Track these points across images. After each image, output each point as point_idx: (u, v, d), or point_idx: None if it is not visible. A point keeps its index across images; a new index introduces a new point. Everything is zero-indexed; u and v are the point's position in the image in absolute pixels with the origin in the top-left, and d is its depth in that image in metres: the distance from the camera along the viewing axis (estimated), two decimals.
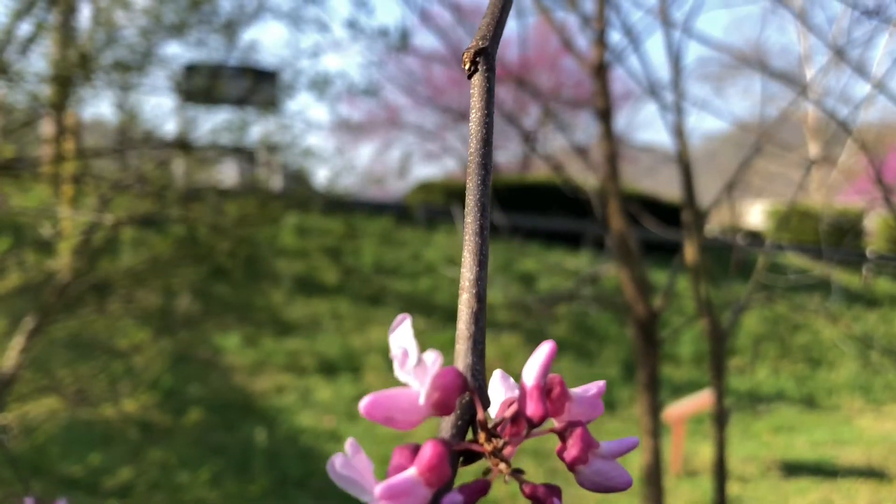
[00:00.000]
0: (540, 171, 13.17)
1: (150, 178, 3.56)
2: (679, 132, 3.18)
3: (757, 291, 3.59)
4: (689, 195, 3.26)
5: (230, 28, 4.25)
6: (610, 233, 3.40)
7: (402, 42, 6.88)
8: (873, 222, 12.44)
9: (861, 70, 2.67)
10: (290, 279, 8.06)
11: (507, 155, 16.96)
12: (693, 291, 3.25)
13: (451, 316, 7.42)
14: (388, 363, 6.26)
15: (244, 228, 4.12)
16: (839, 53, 2.68)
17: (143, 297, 3.52)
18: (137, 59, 3.82)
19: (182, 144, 4.55)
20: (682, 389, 6.94)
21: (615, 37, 9.33)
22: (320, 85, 4.90)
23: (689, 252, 3.23)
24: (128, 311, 3.39)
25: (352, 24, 6.18)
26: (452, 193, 10.87)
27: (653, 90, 3.16)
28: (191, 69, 6.74)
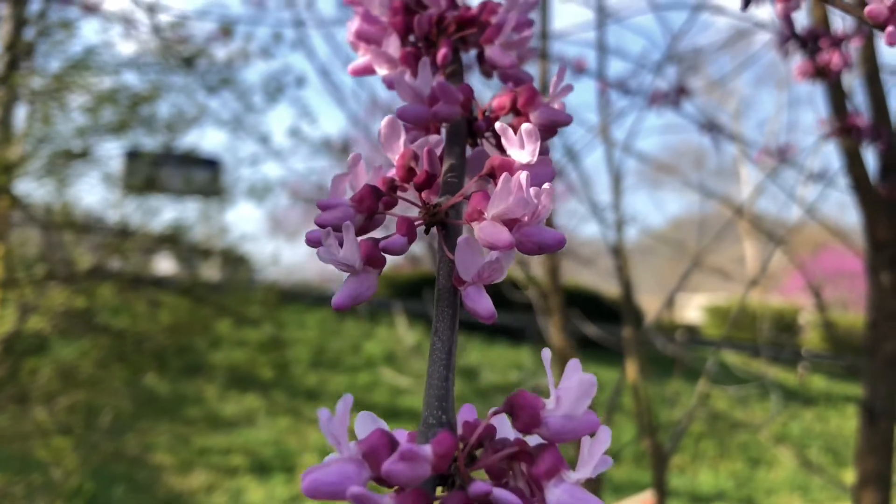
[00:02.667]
0: None
1: (81, 273, 3.46)
2: (618, 251, 3.22)
3: (699, 406, 3.58)
4: (630, 310, 3.28)
5: (171, 129, 4.25)
6: (551, 331, 3.38)
7: (344, 150, 6.92)
8: (808, 320, 12.72)
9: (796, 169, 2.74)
10: (225, 372, 7.83)
11: None
12: (636, 411, 3.22)
13: (389, 413, 7.27)
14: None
15: (176, 336, 4.01)
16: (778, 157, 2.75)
17: (69, 398, 3.35)
18: (75, 155, 3.77)
19: (122, 233, 4.45)
20: (623, 489, 6.84)
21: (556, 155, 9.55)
22: (259, 192, 4.90)
23: (630, 371, 3.21)
24: (51, 414, 3.22)
25: (294, 133, 6.20)
26: (396, 286, 10.81)
27: (594, 210, 3.21)
28: (132, 156, 6.67)
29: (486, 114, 0.58)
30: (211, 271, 8.46)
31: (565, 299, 3.55)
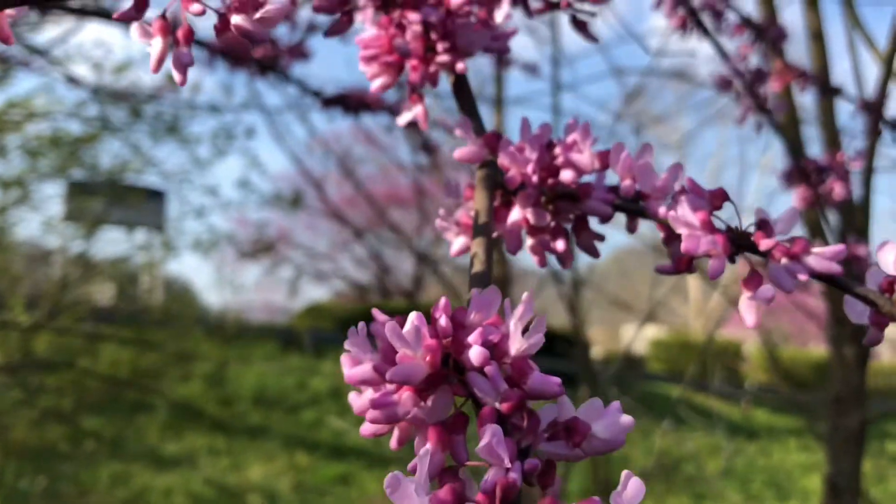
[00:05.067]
0: (432, 294, 13.18)
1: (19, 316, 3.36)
2: (573, 308, 3.24)
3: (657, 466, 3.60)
4: (580, 343, 3.28)
5: (112, 176, 4.17)
6: None
7: (295, 203, 6.85)
8: (751, 353, 12.92)
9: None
10: (167, 408, 7.62)
11: (400, 275, 16.96)
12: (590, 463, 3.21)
13: (335, 452, 7.14)
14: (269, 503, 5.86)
15: (115, 388, 3.91)
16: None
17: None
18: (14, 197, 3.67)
19: (83, 262, 4.33)
20: None
21: None
22: (206, 245, 4.83)
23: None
24: None
25: (243, 184, 6.14)
26: (342, 318, 10.69)
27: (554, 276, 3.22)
28: (75, 186, 6.51)
29: None
30: (152, 301, 8.27)
31: None
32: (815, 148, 2.66)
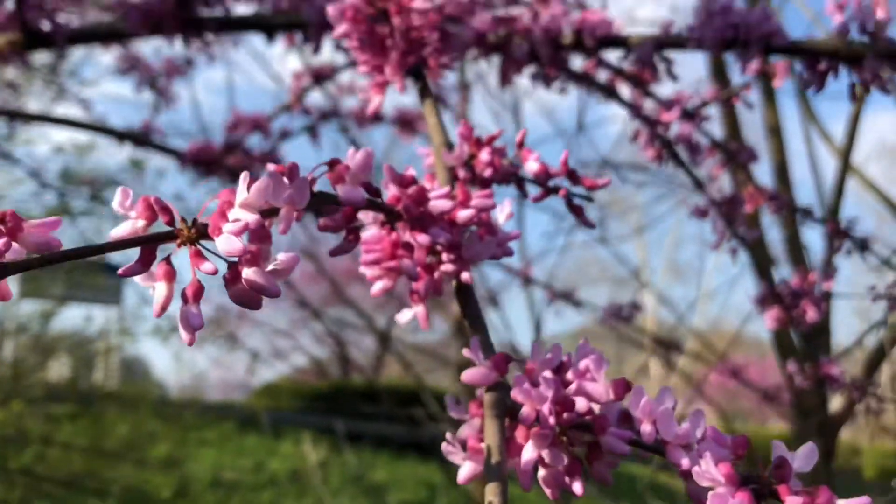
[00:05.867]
0: (393, 374, 13.03)
1: None
2: None
3: None
4: None
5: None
6: None
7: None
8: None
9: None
10: (118, 491, 7.34)
11: (361, 353, 16.77)
12: None
13: None
14: None
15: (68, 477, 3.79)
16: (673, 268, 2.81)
17: None
18: None
19: (40, 342, 4.20)
20: None
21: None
22: (164, 333, 4.73)
23: None
24: None
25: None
26: (301, 397, 10.51)
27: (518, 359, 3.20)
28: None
29: None
30: (108, 383, 8.08)
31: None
32: (781, 261, 2.70)
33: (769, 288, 1.82)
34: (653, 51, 1.32)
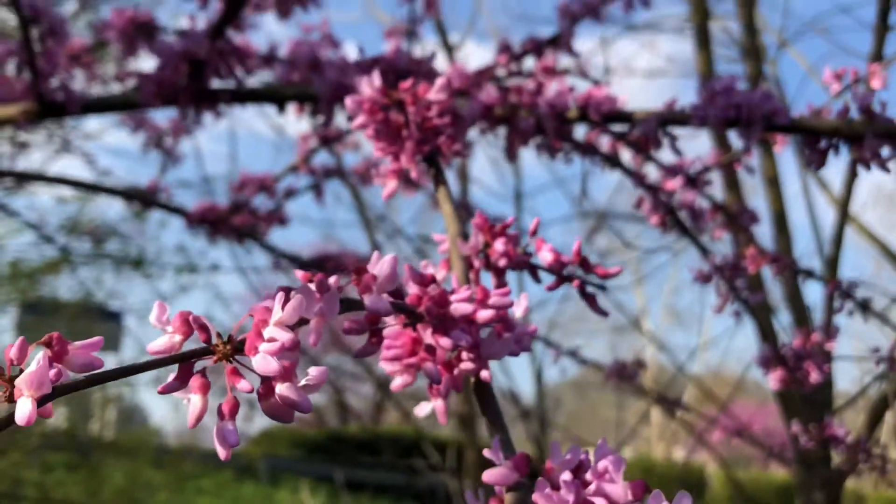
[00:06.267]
0: (392, 421, 12.94)
1: None
2: (540, 447, 3.23)
3: None
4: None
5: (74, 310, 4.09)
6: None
7: None
8: (714, 477, 12.81)
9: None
10: None
11: (360, 400, 16.68)
12: None
13: None
14: None
15: None
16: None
17: None
18: None
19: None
20: None
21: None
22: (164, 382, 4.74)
23: None
24: None
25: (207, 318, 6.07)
26: (299, 445, 10.42)
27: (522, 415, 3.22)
28: (27, 307, 6.37)
29: None
30: (105, 432, 8.02)
31: (481, 457, 3.49)
32: (783, 317, 2.72)
33: (773, 350, 1.84)
34: (657, 127, 1.35)
